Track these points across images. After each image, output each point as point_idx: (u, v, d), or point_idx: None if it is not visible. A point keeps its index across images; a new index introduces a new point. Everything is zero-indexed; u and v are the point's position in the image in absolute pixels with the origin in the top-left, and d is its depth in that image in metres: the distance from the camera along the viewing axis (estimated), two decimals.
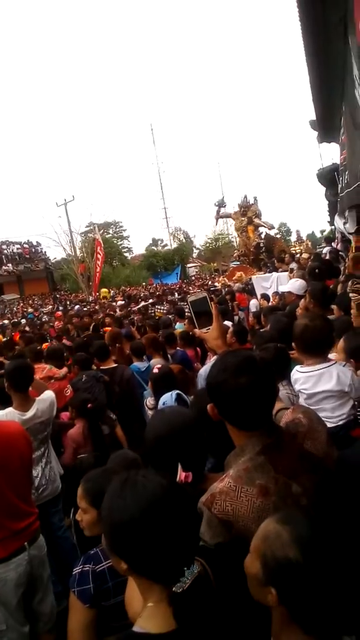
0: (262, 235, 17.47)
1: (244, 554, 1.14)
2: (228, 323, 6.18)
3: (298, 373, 2.54)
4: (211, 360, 2.90)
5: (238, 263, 18.45)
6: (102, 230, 37.84)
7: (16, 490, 2.50)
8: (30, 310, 25.17)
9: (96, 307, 18.69)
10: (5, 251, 37.75)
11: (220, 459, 1.44)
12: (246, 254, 17.39)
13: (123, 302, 18.85)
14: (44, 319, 18.72)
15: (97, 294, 25.48)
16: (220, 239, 43.79)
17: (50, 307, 25.79)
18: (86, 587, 1.60)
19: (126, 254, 50.28)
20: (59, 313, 19.04)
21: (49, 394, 3.33)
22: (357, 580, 1.08)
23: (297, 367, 2.57)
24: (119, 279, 35.76)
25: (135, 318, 10.93)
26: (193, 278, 35.55)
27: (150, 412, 3.80)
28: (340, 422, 2.35)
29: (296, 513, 1.14)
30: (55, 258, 39.96)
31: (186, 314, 7.45)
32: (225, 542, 1.22)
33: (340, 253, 9.15)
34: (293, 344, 2.62)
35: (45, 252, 39.81)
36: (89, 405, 3.70)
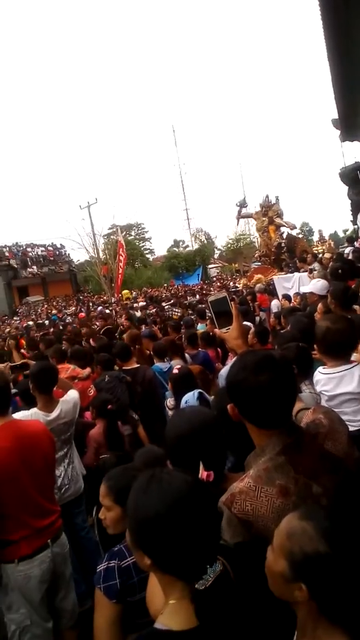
0: (284, 235, 17.28)
1: (264, 553, 1.14)
2: (249, 324, 6.16)
3: (320, 374, 2.54)
4: (232, 360, 2.90)
5: (259, 263, 18.31)
6: (124, 232, 38.13)
7: (40, 488, 2.54)
8: (54, 311, 25.52)
9: (118, 308, 18.83)
10: (30, 254, 38.38)
11: (241, 459, 1.44)
12: (267, 254, 17.22)
13: (145, 303, 18.93)
14: (67, 320, 18.95)
15: (120, 295, 25.66)
16: (241, 239, 43.57)
17: (74, 308, 26.10)
18: (112, 582, 1.61)
19: (148, 256, 50.47)
20: (82, 314, 19.25)
21: (72, 395, 3.37)
22: None
23: (320, 369, 2.56)
24: (141, 280, 35.92)
25: (157, 319, 10.99)
26: (214, 279, 35.44)
27: (171, 413, 3.82)
28: None
29: (315, 508, 1.15)
30: (78, 260, 40.45)
31: (207, 314, 7.44)
32: (245, 541, 1.22)
33: None
34: (315, 345, 2.61)
35: (68, 254, 40.37)
36: (109, 406, 3.73)
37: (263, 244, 17.70)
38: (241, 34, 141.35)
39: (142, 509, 1.06)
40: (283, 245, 16.64)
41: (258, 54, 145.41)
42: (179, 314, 11.28)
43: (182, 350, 5.33)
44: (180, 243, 55.49)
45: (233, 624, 1.14)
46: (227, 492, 1.29)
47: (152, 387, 4.70)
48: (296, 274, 11.06)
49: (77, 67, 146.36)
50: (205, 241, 51.57)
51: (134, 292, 27.03)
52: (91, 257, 32.20)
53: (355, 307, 3.90)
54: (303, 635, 1.09)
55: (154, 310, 14.14)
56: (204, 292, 20.80)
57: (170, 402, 3.86)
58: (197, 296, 17.97)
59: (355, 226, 14.44)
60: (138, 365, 4.87)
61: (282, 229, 17.30)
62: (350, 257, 9.31)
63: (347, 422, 2.03)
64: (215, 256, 49.99)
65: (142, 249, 50.08)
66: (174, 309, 12.77)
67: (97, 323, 12.01)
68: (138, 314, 13.64)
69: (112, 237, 34.05)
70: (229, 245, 46.14)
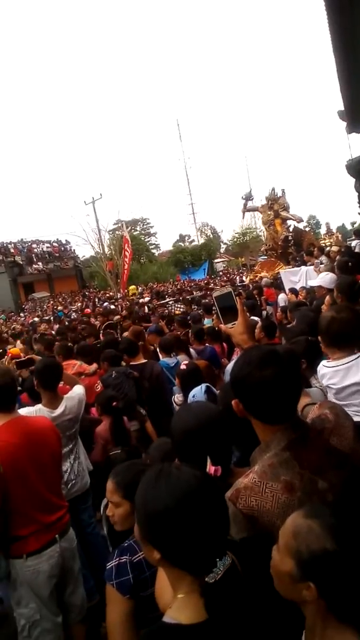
0: (290, 229, 17.17)
1: (269, 549, 1.14)
2: (255, 318, 6.14)
3: (325, 368, 2.49)
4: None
5: (265, 257, 18.22)
6: (129, 228, 38.09)
7: (47, 484, 2.56)
8: (60, 307, 25.59)
9: (124, 304, 18.84)
10: (36, 250, 38.49)
11: (246, 454, 1.44)
12: (274, 247, 17.13)
13: (150, 298, 18.93)
14: (72, 316, 18.99)
15: (126, 291, 25.68)
16: (248, 233, 43.37)
17: (79, 304, 26.15)
18: (125, 578, 1.61)
19: (154, 251, 50.54)
20: (88, 310, 19.29)
21: (78, 391, 3.38)
22: None
23: (324, 362, 2.52)
24: (147, 275, 35.93)
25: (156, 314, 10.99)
26: (220, 273, 35.37)
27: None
28: None
29: (320, 506, 1.14)
30: (84, 256, 40.60)
31: (213, 309, 7.42)
32: (250, 536, 1.22)
33: None
34: (319, 337, 2.57)
35: (74, 250, 40.42)
36: (114, 403, 3.74)
37: (269, 238, 17.59)
38: (246, 26, 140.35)
39: (151, 502, 1.06)
40: (290, 238, 16.53)
41: (263, 46, 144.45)
42: (181, 310, 11.26)
43: (187, 346, 5.32)
44: (186, 238, 55.49)
45: (242, 617, 1.14)
46: (232, 488, 1.30)
47: (160, 382, 4.71)
48: (303, 267, 10.99)
49: (82, 63, 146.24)
50: (211, 235, 51.47)
51: (140, 288, 27.03)
52: (96, 252, 32.25)
53: None
54: (312, 636, 1.08)
55: (156, 304, 14.01)
56: (206, 287, 20.63)
57: (178, 397, 3.86)
58: (200, 292, 17.81)
59: None
60: (145, 360, 4.87)
61: (289, 222, 17.20)
62: (357, 249, 9.25)
63: (355, 414, 2.02)
64: (222, 250, 49.91)
65: (147, 244, 50.12)
66: (177, 305, 12.73)
67: (98, 319, 11.96)
68: (146, 309, 13.64)
69: (117, 232, 34.11)
70: (235, 239, 45.94)
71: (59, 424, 3.01)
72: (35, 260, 37.42)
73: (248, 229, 42.98)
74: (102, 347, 5.57)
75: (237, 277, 24.41)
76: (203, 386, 2.61)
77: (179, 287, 25.51)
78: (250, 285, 13.98)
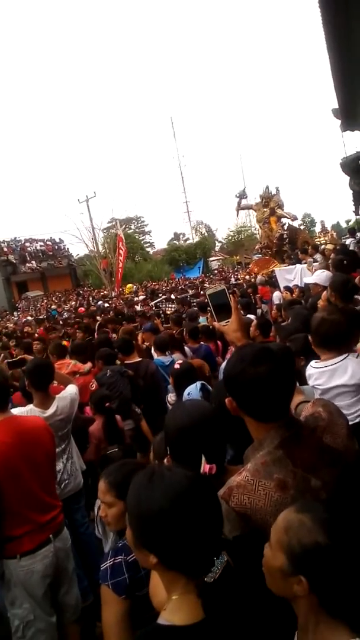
0: (285, 227, 17.18)
1: (262, 546, 1.14)
2: (251, 316, 6.15)
3: (312, 369, 2.48)
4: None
5: (260, 255, 18.23)
6: (123, 226, 38.03)
7: (41, 483, 2.54)
8: (53, 306, 25.53)
9: (118, 302, 18.82)
10: (29, 248, 38.40)
11: (240, 452, 1.44)
12: (269, 246, 17.12)
13: (145, 297, 18.91)
14: (64, 316, 18.93)
15: (121, 289, 25.64)
16: (242, 231, 43.40)
17: (74, 303, 26.10)
18: (121, 578, 1.60)
19: (148, 249, 50.43)
20: (82, 309, 19.24)
21: (70, 390, 3.36)
22: None
23: (312, 363, 2.51)
24: (142, 274, 35.90)
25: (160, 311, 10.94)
26: (215, 272, 35.37)
27: None
28: (357, 420, 2.28)
29: (311, 501, 1.15)
30: (78, 254, 40.48)
31: (208, 308, 7.40)
32: (244, 534, 1.22)
33: None
34: (309, 337, 2.57)
35: (68, 248, 40.32)
36: (107, 403, 3.73)
37: (264, 236, 17.58)
38: (241, 24, 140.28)
39: (145, 506, 1.05)
40: (285, 236, 16.53)
41: (258, 44, 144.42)
42: (172, 309, 11.21)
43: (182, 344, 5.31)
44: (181, 236, 55.43)
45: (240, 616, 1.14)
46: (224, 486, 1.29)
47: (155, 380, 4.71)
48: (298, 265, 11.02)
49: (75, 61, 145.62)
50: (206, 234, 51.45)
51: (135, 286, 27.00)
52: (91, 251, 32.14)
53: (358, 297, 3.86)
54: (305, 634, 1.08)
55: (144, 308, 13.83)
56: (200, 285, 20.49)
57: (171, 397, 3.85)
58: (191, 291, 17.64)
59: (358, 217, 14.37)
60: (140, 359, 4.87)
61: (284, 220, 17.20)
62: (351, 247, 9.28)
63: None
64: (216, 249, 49.87)
65: (142, 242, 50.03)
66: (168, 304, 12.67)
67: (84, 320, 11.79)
68: (138, 307, 13.61)
69: (111, 230, 34.01)
70: (230, 238, 45.97)
71: (50, 424, 2.99)
72: (28, 258, 37.33)
73: (243, 227, 43.03)
74: (95, 346, 5.55)
75: (232, 276, 24.43)
76: (198, 384, 2.60)
77: (173, 285, 25.50)
78: (244, 285, 13.99)
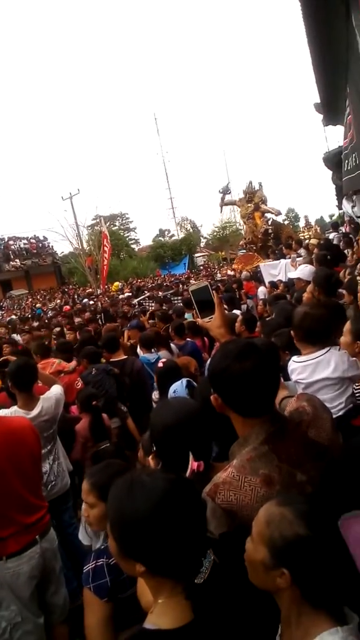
0: (269, 222, 17.24)
1: None
2: (236, 312, 6.15)
3: (295, 363, 2.47)
4: None
5: (245, 251, 18.29)
6: (108, 223, 37.89)
7: (27, 484, 2.52)
8: (38, 305, 25.30)
9: (103, 300, 18.69)
10: (13, 247, 37.96)
11: (225, 448, 1.44)
12: (253, 241, 17.19)
13: (130, 294, 18.82)
14: (49, 314, 18.74)
15: (107, 286, 25.49)
16: (227, 227, 43.47)
17: (59, 301, 25.88)
18: (102, 581, 1.59)
19: (133, 246, 50.23)
20: (68, 307, 19.07)
21: (55, 391, 3.32)
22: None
23: (294, 358, 2.51)
24: (127, 271, 35.73)
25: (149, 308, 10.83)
26: (201, 267, 35.39)
27: None
28: (340, 413, 2.28)
29: (292, 494, 1.16)
30: (62, 252, 40.11)
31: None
32: (230, 531, 1.22)
33: (351, 237, 9.05)
34: (292, 332, 2.56)
35: (52, 246, 40.00)
36: (94, 402, 3.71)
37: (249, 231, 17.64)
38: (223, 19, 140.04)
39: (128, 516, 1.03)
40: (270, 231, 16.60)
41: (240, 40, 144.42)
42: (152, 306, 11.13)
43: (168, 341, 5.30)
44: (166, 232, 55.32)
45: (229, 614, 1.13)
46: (210, 483, 1.29)
47: (141, 378, 4.69)
48: (282, 260, 11.06)
49: (57, 56, 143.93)
50: (191, 230, 51.41)
51: (120, 283, 26.88)
52: (75, 248, 31.90)
53: (342, 291, 3.89)
54: (288, 626, 1.09)
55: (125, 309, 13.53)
56: (176, 284, 20.31)
57: (155, 395, 3.84)
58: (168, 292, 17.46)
59: (341, 211, 14.48)
60: (126, 357, 4.84)
61: (268, 215, 17.27)
62: (335, 242, 9.34)
63: None
64: (202, 245, 49.89)
65: (127, 239, 49.82)
66: (151, 302, 12.59)
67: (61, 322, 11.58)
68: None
69: (95, 227, 33.75)
70: (215, 234, 46.00)
71: (35, 425, 2.97)
72: (12, 257, 36.91)
73: (228, 223, 43.08)
74: (78, 345, 5.51)
75: (218, 272, 24.45)
76: (184, 381, 2.59)
77: (159, 282, 25.44)
78: (228, 280, 13.99)
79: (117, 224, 52.97)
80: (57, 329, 9.34)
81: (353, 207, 7.88)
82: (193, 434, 1.51)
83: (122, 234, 49.51)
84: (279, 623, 1.13)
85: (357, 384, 2.40)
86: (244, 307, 9.10)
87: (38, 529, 2.53)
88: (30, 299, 30.54)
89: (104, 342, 4.98)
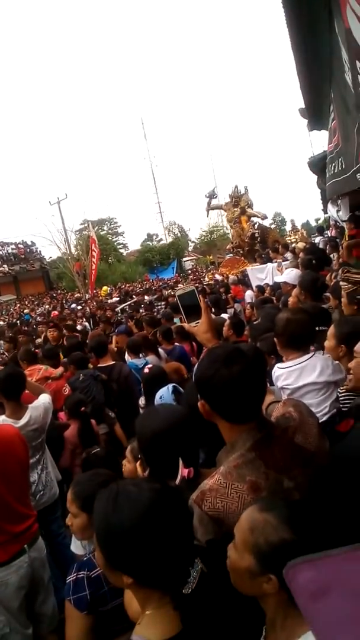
0: (256, 226, 17.34)
1: None
2: (225, 316, 6.16)
3: (279, 370, 2.46)
4: None
5: (231, 255, 18.37)
6: (96, 227, 37.74)
7: (14, 493, 2.49)
8: (26, 310, 25.11)
9: (92, 305, 18.63)
10: (0, 252, 37.70)
11: (211, 455, 1.43)
12: (240, 245, 17.28)
13: (119, 298, 18.77)
14: (37, 319, 18.60)
15: (96, 291, 25.41)
16: (215, 231, 43.64)
17: (47, 306, 25.72)
18: (82, 594, 1.58)
19: (121, 250, 50.16)
20: (56, 313, 18.95)
21: (43, 400, 3.29)
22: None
23: (278, 365, 2.50)
24: (115, 275, 35.68)
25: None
26: (189, 272, 35.43)
27: None
28: (325, 418, 2.28)
29: (272, 499, 1.15)
30: (50, 257, 40.02)
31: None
32: (217, 539, 1.21)
33: (337, 240, 9.13)
34: (275, 338, 2.54)
35: (40, 251, 39.76)
36: (82, 408, 3.68)
37: (235, 235, 17.73)
38: (208, 24, 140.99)
39: (115, 528, 1.02)
40: (257, 235, 16.68)
41: (226, 45, 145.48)
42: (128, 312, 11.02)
43: (156, 346, 5.28)
44: (154, 237, 55.29)
45: (218, 622, 1.13)
46: (197, 490, 1.28)
47: (129, 384, 4.66)
48: (269, 264, 11.13)
49: (45, 61, 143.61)
50: (179, 234, 51.47)
51: (109, 288, 26.82)
52: (63, 253, 31.80)
53: (327, 294, 3.91)
54: (273, 629, 1.09)
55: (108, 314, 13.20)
56: (159, 289, 20.28)
57: (142, 401, 3.82)
58: (156, 294, 17.39)
59: (326, 215, 14.60)
60: (113, 362, 4.81)
61: (254, 219, 17.37)
62: (321, 246, 9.41)
63: None
64: (190, 249, 49.97)
65: (115, 243, 49.74)
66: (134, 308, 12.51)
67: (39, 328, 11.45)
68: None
69: (83, 232, 33.71)
70: (203, 238, 46.16)
71: (24, 434, 2.94)
72: (0, 262, 36.58)
73: (215, 227, 43.26)
74: (65, 351, 5.47)
75: (206, 277, 24.52)
76: (170, 386, 2.58)
77: (147, 286, 25.43)
78: (213, 285, 14.02)
79: (105, 228, 52.86)
80: (39, 339, 9.18)
81: (338, 211, 7.93)
82: (181, 441, 1.51)
83: (110, 238, 49.42)
84: (262, 626, 1.13)
85: (341, 389, 2.40)
86: (230, 310, 9.12)
87: (26, 538, 2.50)
88: (18, 305, 30.29)
89: (92, 345, 4.95)
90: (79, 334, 7.75)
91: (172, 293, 14.68)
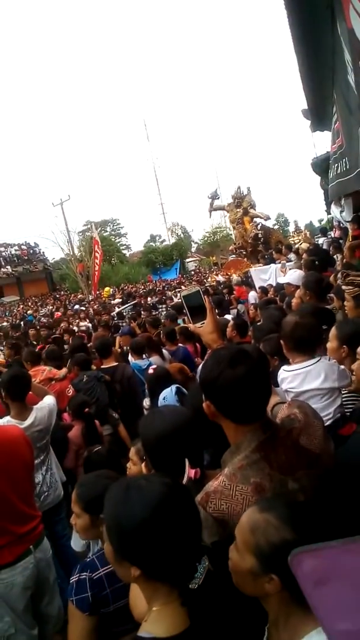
0: (259, 227, 17.30)
1: None
2: (228, 317, 6.16)
3: (285, 372, 2.46)
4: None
5: (234, 256, 18.35)
6: (99, 228, 37.83)
7: (20, 494, 2.50)
8: (30, 311, 25.16)
9: (95, 306, 18.65)
10: (4, 253, 37.85)
11: (217, 456, 1.44)
12: (243, 246, 17.24)
13: (121, 299, 18.78)
14: (41, 321, 18.62)
15: (98, 292, 25.44)
16: (218, 232, 43.64)
17: (50, 307, 25.77)
18: (84, 595, 1.58)
19: (124, 252, 50.24)
20: (59, 314, 18.99)
21: (48, 401, 3.30)
22: None
23: (284, 367, 2.49)
24: (118, 276, 35.74)
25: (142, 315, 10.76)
26: (192, 272, 35.46)
27: None
28: (328, 422, 2.25)
29: (272, 499, 1.15)
30: (53, 258, 40.12)
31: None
32: (221, 540, 1.21)
33: (340, 242, 9.11)
34: (282, 341, 2.54)
35: (43, 252, 39.96)
36: (86, 410, 3.69)
37: (238, 236, 17.66)
38: (211, 25, 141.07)
39: (125, 518, 1.03)
40: (260, 236, 16.63)
41: (230, 46, 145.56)
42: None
43: (160, 347, 5.29)
44: (157, 237, 55.35)
45: (225, 620, 1.13)
46: (201, 492, 1.29)
47: (132, 385, 4.67)
48: (272, 265, 11.11)
49: (49, 64, 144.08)
50: (182, 235, 51.52)
51: (112, 289, 26.85)
52: (66, 254, 31.87)
53: (331, 295, 3.91)
54: (276, 629, 1.09)
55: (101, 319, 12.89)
56: (160, 292, 20.25)
57: (146, 402, 3.83)
58: (156, 297, 17.30)
59: (330, 216, 14.57)
60: (116, 363, 4.82)
61: (257, 220, 17.32)
62: (325, 246, 9.40)
63: None
64: (193, 250, 50.01)
65: (118, 244, 49.81)
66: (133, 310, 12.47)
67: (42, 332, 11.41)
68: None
69: (87, 233, 33.76)
70: (206, 239, 46.16)
71: (28, 435, 2.94)
72: (3, 263, 36.79)
73: (218, 228, 43.28)
74: (69, 352, 5.48)
75: (209, 278, 24.54)
76: (173, 387, 2.58)
77: (150, 287, 25.45)
78: (217, 286, 14.01)
79: (108, 229, 52.96)
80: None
81: (341, 212, 7.91)
82: (186, 443, 1.52)
83: (113, 239, 49.49)
84: (265, 626, 1.14)
85: (345, 392, 2.39)
86: (234, 311, 9.12)
87: (32, 538, 2.51)
88: (21, 306, 30.37)
89: (97, 346, 4.95)
90: (84, 335, 7.76)
91: (169, 296, 14.64)
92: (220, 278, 16.67)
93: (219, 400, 1.32)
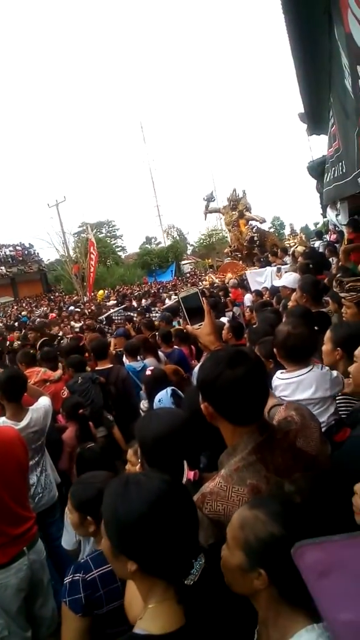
0: (254, 230, 17.36)
1: None
2: (224, 319, 6.16)
3: (278, 380, 2.46)
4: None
5: (229, 259, 18.38)
6: (94, 230, 37.80)
7: (14, 495, 2.49)
8: (24, 313, 25.06)
9: (90, 307, 18.60)
10: None
11: (214, 459, 1.44)
12: (239, 248, 17.29)
13: (116, 301, 18.75)
14: (36, 322, 18.52)
15: (93, 294, 25.39)
16: (213, 234, 43.74)
17: (44, 308, 25.69)
18: (77, 596, 1.58)
19: (120, 253, 50.25)
20: (53, 315, 18.92)
21: (43, 402, 3.29)
22: None
23: (278, 374, 2.49)
24: (114, 278, 35.72)
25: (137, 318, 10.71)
26: (188, 275, 35.49)
27: None
28: (323, 429, 2.27)
29: (263, 497, 1.17)
30: (48, 259, 40.05)
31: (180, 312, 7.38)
32: (217, 541, 1.22)
33: (336, 245, 9.16)
34: (274, 350, 2.53)
35: (38, 253, 39.82)
36: (80, 411, 3.68)
37: (234, 239, 17.73)
38: (208, 28, 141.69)
39: (123, 513, 1.03)
40: (256, 239, 16.68)
41: (226, 49, 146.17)
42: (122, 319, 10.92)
43: (156, 349, 5.28)
44: (153, 240, 55.42)
45: (220, 618, 1.13)
46: (198, 493, 1.29)
47: (126, 387, 4.65)
48: (268, 268, 11.14)
49: (44, 63, 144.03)
50: (178, 237, 51.60)
51: (106, 291, 26.81)
52: (62, 256, 31.82)
53: (326, 298, 3.92)
54: (265, 628, 1.09)
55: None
56: (153, 295, 20.20)
57: (144, 404, 3.82)
58: (149, 300, 17.18)
59: (325, 219, 14.64)
60: (111, 365, 4.81)
61: (252, 223, 17.38)
62: (321, 250, 9.44)
63: None
64: (188, 252, 50.09)
65: (113, 246, 49.81)
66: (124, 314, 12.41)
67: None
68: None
69: (82, 235, 33.75)
70: (202, 241, 46.27)
71: (24, 437, 2.93)
72: None
73: (214, 231, 43.39)
74: (64, 353, 5.46)
75: (203, 282, 24.55)
76: (169, 390, 2.58)
77: (146, 289, 25.42)
78: (212, 289, 14.00)
79: (103, 231, 52.98)
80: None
81: (337, 215, 7.97)
82: (183, 444, 1.52)
83: (108, 241, 49.50)
84: (254, 628, 1.14)
85: (339, 395, 2.39)
86: (229, 314, 9.12)
87: (26, 540, 2.50)
88: (15, 307, 30.26)
89: (93, 347, 4.94)
90: (81, 335, 7.73)
91: (162, 300, 14.56)
92: (216, 280, 16.67)
93: (217, 401, 1.32)
